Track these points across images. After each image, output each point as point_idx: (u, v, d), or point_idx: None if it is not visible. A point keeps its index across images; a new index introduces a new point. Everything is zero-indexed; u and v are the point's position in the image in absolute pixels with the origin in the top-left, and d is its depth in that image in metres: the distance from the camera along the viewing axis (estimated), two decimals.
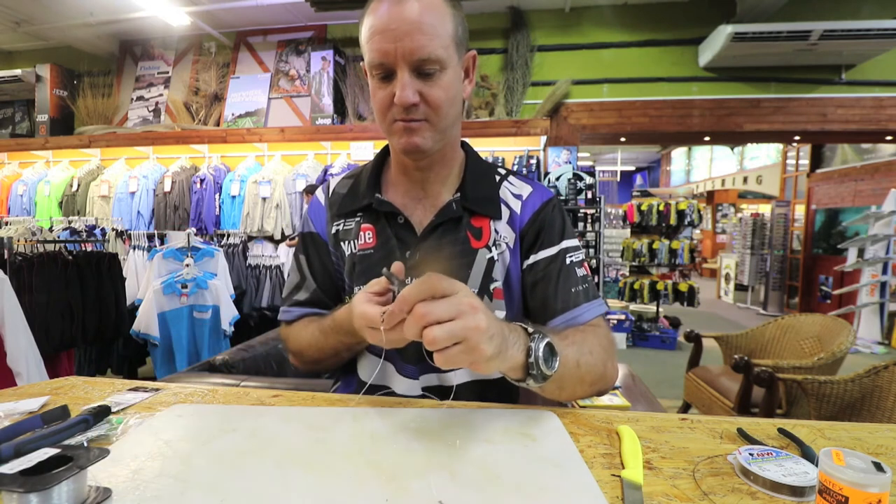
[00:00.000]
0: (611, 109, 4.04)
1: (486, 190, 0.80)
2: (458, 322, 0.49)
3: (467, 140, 0.86)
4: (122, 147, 4.31)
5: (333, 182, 0.88)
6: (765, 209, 8.59)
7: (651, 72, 3.99)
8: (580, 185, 4.01)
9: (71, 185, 4.24)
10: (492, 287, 0.75)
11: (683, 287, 4.87)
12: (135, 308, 3.02)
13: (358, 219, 0.81)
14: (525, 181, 0.83)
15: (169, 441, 0.56)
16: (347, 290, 0.82)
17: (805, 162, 7.03)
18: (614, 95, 4.04)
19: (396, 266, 0.60)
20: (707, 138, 4.89)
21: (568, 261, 0.77)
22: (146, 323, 2.82)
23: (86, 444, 0.53)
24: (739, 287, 7.55)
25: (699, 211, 4.88)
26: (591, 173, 4.10)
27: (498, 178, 0.83)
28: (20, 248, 2.50)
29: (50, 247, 2.53)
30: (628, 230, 5.68)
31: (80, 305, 2.51)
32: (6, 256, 2.32)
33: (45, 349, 2.11)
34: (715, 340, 2.57)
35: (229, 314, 2.99)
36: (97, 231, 3.20)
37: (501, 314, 0.77)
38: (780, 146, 7.91)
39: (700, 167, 11.43)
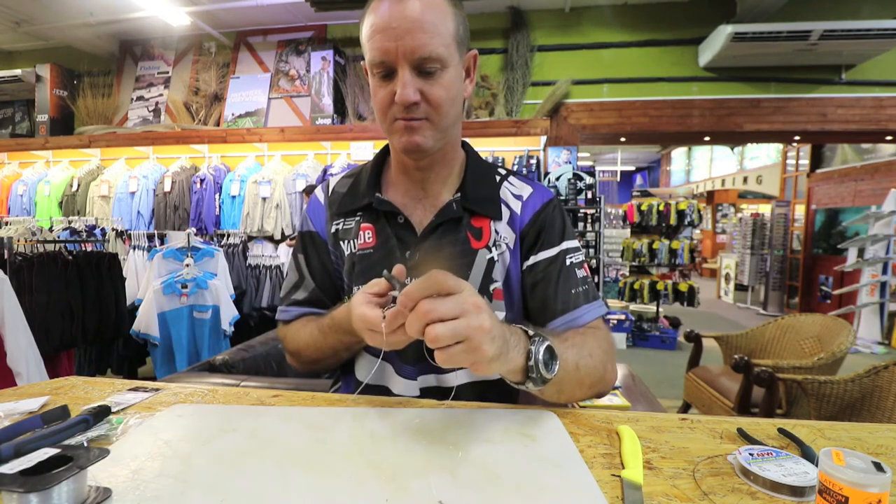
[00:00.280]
0: (611, 109, 4.04)
1: (487, 190, 0.79)
2: (462, 321, 0.48)
3: (467, 140, 0.85)
4: (122, 147, 4.30)
5: (333, 181, 0.87)
6: (765, 209, 8.59)
7: (651, 72, 3.99)
8: (580, 185, 4.01)
9: (71, 185, 4.24)
10: (492, 288, 0.75)
11: (683, 287, 4.86)
12: (135, 308, 3.02)
13: (358, 218, 0.80)
14: (525, 181, 0.83)
15: (169, 441, 0.56)
16: (346, 289, 0.81)
17: (805, 162, 7.03)
18: (614, 95, 4.04)
19: (398, 269, 0.59)
20: (707, 138, 4.89)
21: (568, 262, 0.76)
22: (146, 323, 2.82)
23: (86, 444, 0.53)
24: (739, 287, 7.55)
25: (699, 211, 4.88)
26: (591, 173, 4.10)
27: (498, 178, 0.82)
28: (20, 248, 2.50)
29: (50, 247, 2.53)
30: (628, 230, 5.68)
31: (80, 305, 2.51)
32: (6, 256, 2.32)
33: (45, 349, 2.10)
34: (715, 340, 2.58)
35: (229, 314, 2.99)
36: (97, 231, 3.20)
37: (501, 315, 0.76)
38: (780, 146, 7.91)
39: (700, 167, 11.42)
